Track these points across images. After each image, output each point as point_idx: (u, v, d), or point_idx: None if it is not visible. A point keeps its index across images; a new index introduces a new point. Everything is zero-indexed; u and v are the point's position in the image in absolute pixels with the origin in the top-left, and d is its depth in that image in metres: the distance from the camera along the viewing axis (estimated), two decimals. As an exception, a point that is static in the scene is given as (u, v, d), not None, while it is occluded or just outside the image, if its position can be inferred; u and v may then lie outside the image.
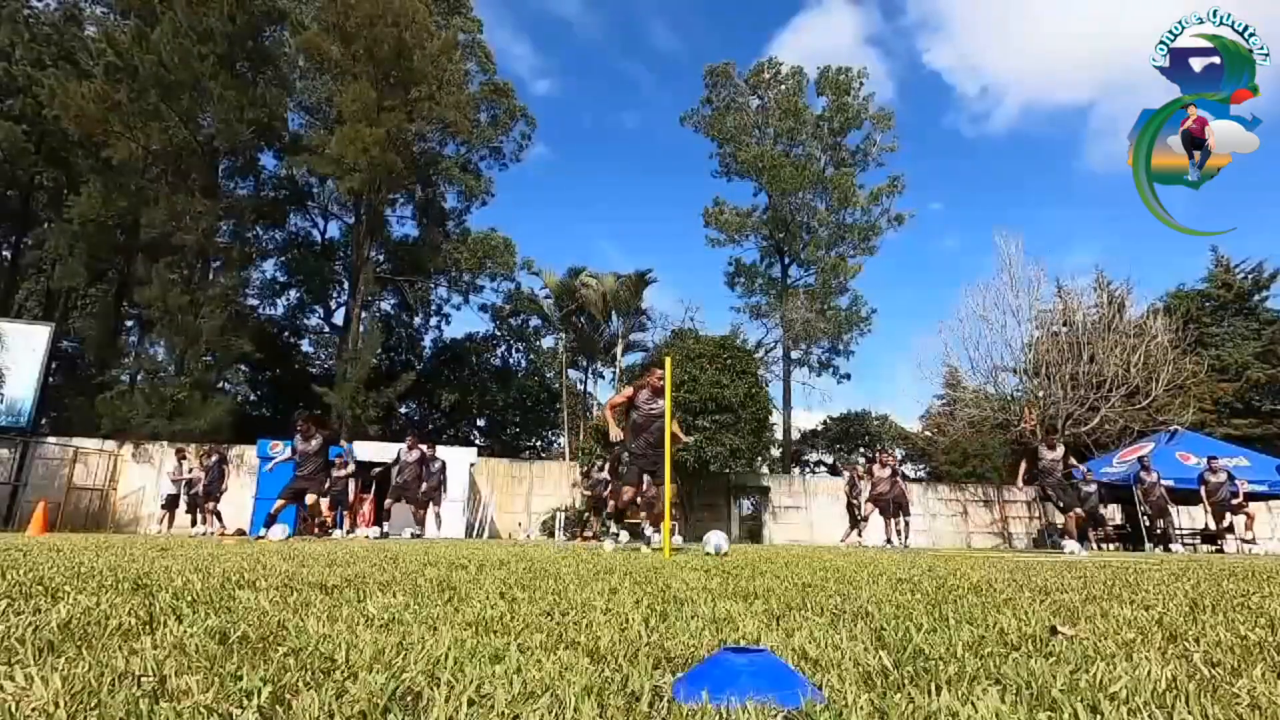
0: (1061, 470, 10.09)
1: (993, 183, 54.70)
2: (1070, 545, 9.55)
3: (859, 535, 13.72)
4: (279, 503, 8.96)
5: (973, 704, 0.87)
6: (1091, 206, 57.53)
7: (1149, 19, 46.50)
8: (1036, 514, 21.18)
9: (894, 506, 13.14)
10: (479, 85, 28.72)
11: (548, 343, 31.96)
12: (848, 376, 30.63)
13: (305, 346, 31.36)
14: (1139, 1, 49.17)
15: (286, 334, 29.86)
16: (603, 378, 28.38)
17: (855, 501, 13.71)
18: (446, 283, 30.37)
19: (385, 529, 12.47)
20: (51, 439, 16.88)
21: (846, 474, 14.46)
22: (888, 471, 13.43)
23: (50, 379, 20.16)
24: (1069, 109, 57.15)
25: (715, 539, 6.02)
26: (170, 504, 13.59)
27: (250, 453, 16.68)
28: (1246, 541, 14.55)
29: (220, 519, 13.23)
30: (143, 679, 0.93)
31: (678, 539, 12.58)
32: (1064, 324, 22.21)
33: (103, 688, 0.88)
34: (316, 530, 16.06)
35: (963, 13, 55.69)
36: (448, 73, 24.34)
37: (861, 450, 32.40)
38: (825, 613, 1.81)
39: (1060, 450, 10.04)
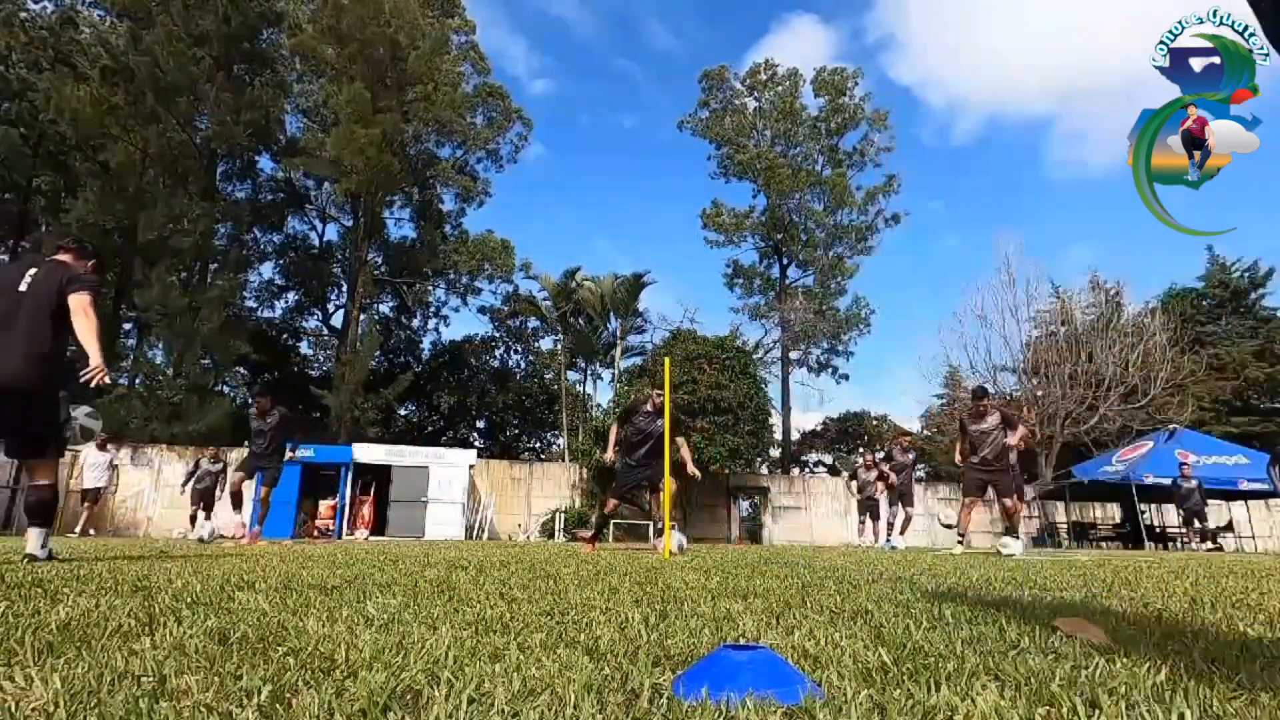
0: (1001, 446, 8.12)
1: (976, 187, 54.87)
2: (1010, 543, 7.59)
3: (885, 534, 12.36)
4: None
5: (971, 699, 0.87)
6: (1074, 209, 57.75)
7: (1110, 31, 47.34)
8: (1036, 514, 21.19)
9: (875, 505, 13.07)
10: (474, 88, 28.76)
11: (546, 344, 32.01)
12: (846, 377, 30.68)
13: (304, 349, 31.41)
14: (1097, 15, 49.91)
15: (285, 336, 29.87)
16: (601, 379, 28.41)
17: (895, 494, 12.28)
18: (445, 285, 30.40)
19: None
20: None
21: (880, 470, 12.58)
22: (874, 473, 13.29)
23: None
24: (1032, 119, 57.59)
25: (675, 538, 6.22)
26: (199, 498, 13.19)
27: (249, 455, 16.65)
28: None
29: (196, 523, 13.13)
30: (143, 679, 0.93)
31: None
32: (1062, 323, 22.24)
33: (102, 688, 0.88)
34: (317, 533, 16.05)
35: (922, 31, 56.28)
36: (442, 73, 24.37)
37: (861, 450, 32.41)
38: (825, 611, 1.81)
39: (995, 419, 8.02)
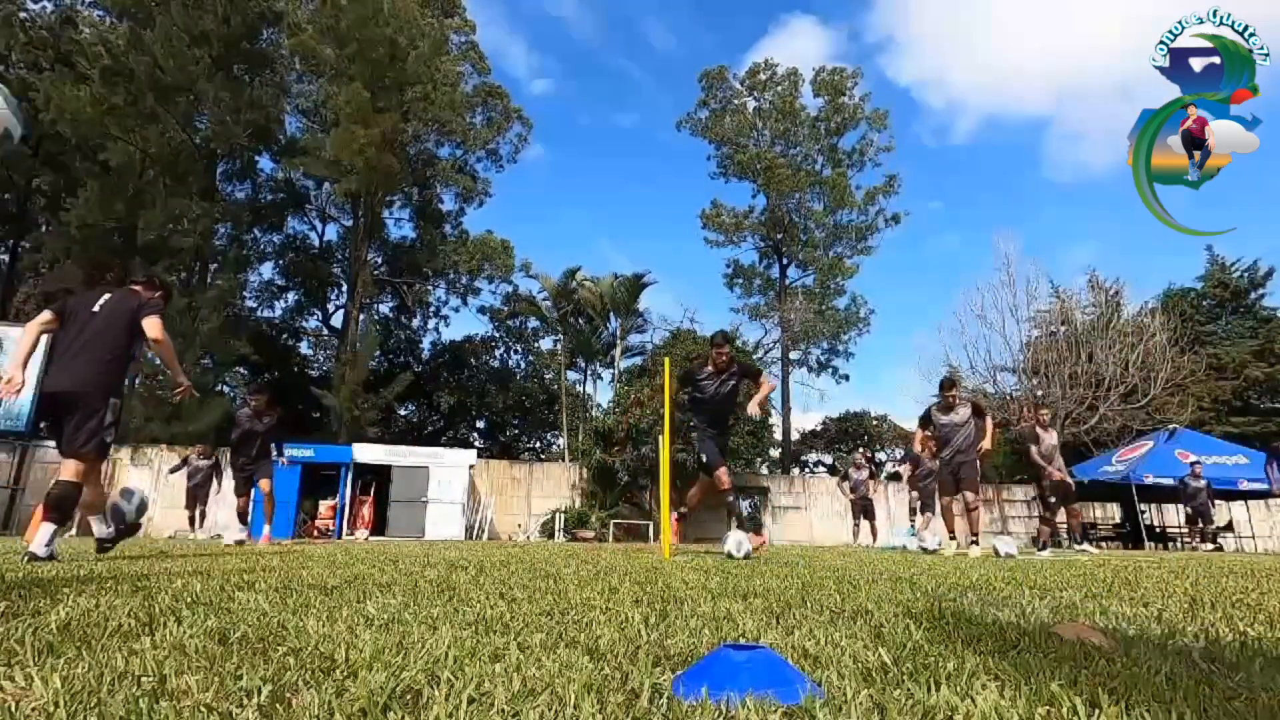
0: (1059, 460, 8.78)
1: (976, 187, 54.83)
2: (1083, 546, 8.50)
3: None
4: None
5: (971, 699, 0.87)
6: (1074, 209, 57.72)
7: (1101, 33, 47.36)
8: (1036, 513, 21.18)
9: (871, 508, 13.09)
10: (473, 87, 28.77)
11: (546, 344, 32.01)
12: (846, 377, 30.66)
13: (304, 349, 31.39)
14: (1089, 18, 50.01)
15: (285, 336, 29.86)
16: (601, 379, 28.40)
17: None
18: (444, 285, 30.41)
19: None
20: (50, 443, 16.80)
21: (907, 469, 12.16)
22: (865, 473, 13.33)
23: (48, 382, 20.13)
24: (1031, 119, 57.52)
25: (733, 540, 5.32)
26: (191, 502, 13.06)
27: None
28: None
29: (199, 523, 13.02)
30: (143, 679, 0.93)
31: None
32: (1062, 323, 22.26)
33: (102, 688, 0.88)
34: (316, 534, 16.05)
35: (920, 32, 56.25)
36: (441, 73, 24.38)
37: (861, 450, 32.43)
38: (825, 611, 1.81)
39: (966, 410, 7.96)
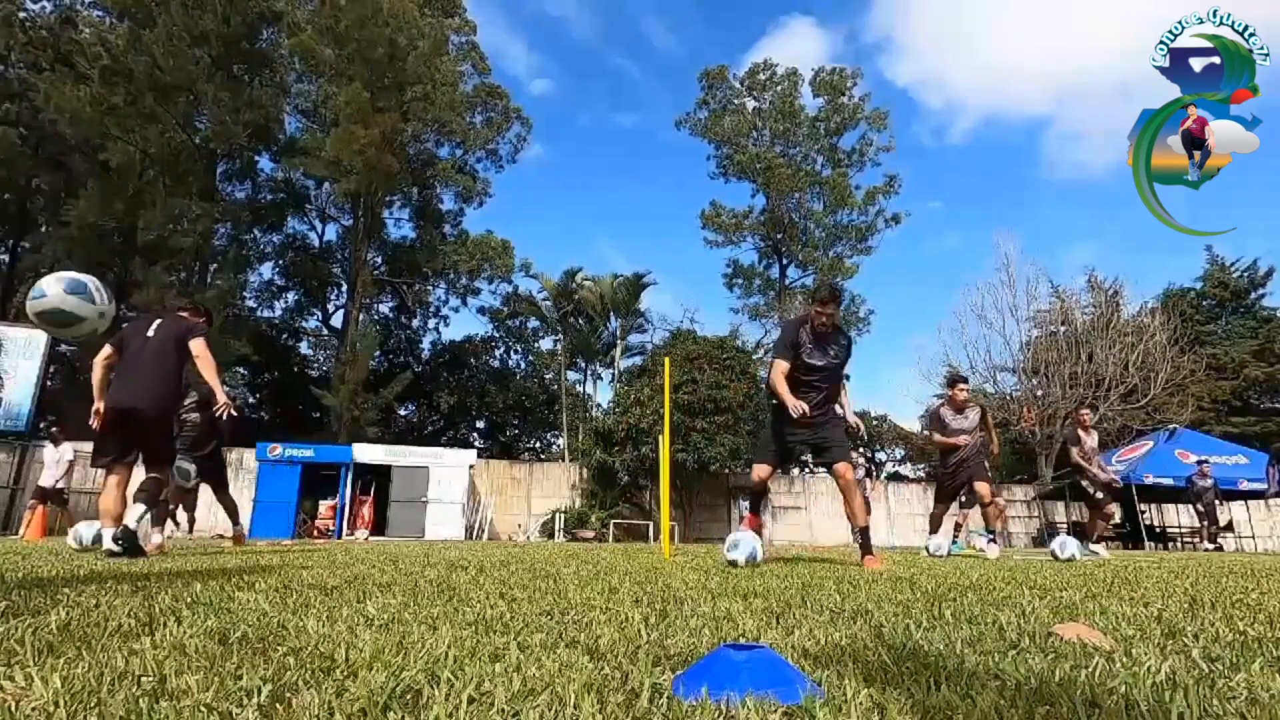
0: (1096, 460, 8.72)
1: (976, 187, 54.89)
2: (1098, 549, 8.26)
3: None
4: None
5: (971, 699, 0.87)
6: (1074, 209, 57.79)
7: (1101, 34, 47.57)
8: (1036, 514, 21.19)
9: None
10: (473, 87, 28.78)
11: (546, 344, 32.02)
12: (847, 377, 30.60)
13: (304, 349, 31.40)
14: (1089, 18, 50.21)
15: (285, 336, 29.86)
16: (601, 379, 28.41)
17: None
18: (444, 285, 30.41)
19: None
20: (49, 442, 16.84)
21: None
22: (860, 472, 13.30)
23: (49, 383, 20.17)
24: (1030, 119, 57.49)
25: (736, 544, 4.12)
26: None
27: (249, 455, 16.66)
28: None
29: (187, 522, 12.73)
30: (143, 679, 0.93)
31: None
32: (1061, 323, 22.25)
33: (102, 688, 0.88)
34: (317, 533, 16.04)
35: (919, 33, 56.32)
36: (441, 73, 24.38)
37: (860, 450, 32.37)
38: (825, 611, 1.81)
39: (976, 415, 7.48)
